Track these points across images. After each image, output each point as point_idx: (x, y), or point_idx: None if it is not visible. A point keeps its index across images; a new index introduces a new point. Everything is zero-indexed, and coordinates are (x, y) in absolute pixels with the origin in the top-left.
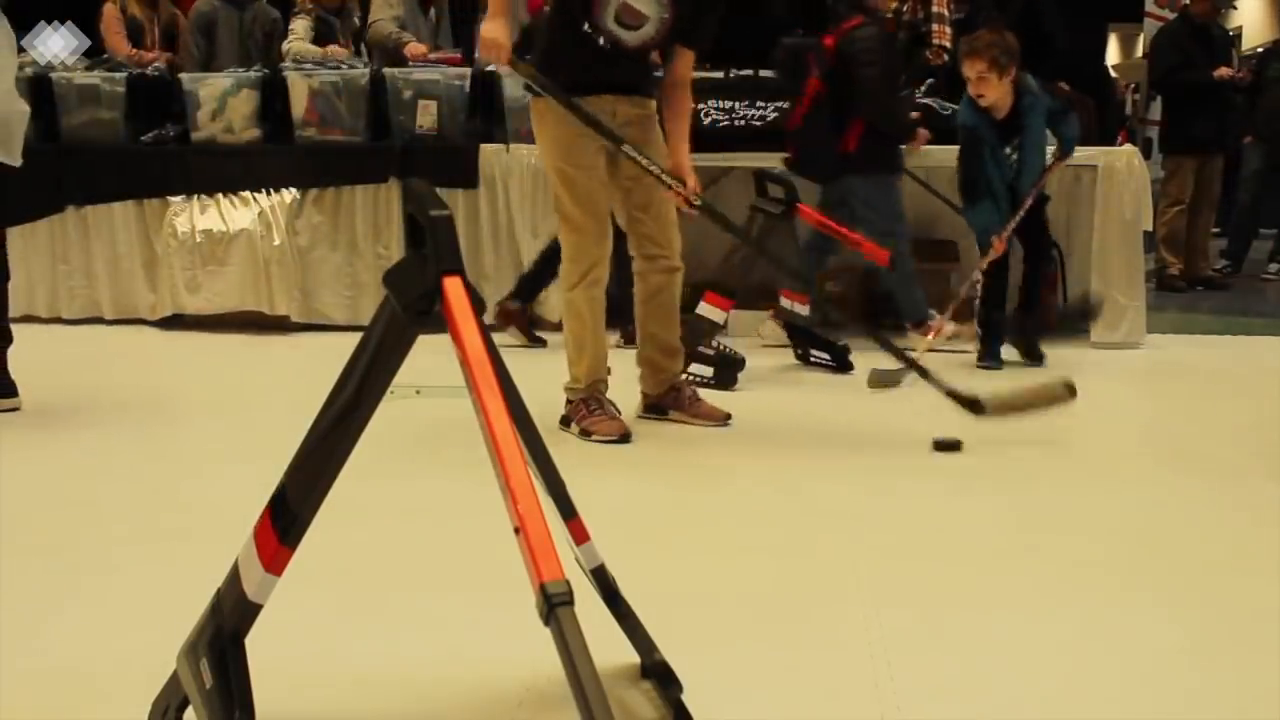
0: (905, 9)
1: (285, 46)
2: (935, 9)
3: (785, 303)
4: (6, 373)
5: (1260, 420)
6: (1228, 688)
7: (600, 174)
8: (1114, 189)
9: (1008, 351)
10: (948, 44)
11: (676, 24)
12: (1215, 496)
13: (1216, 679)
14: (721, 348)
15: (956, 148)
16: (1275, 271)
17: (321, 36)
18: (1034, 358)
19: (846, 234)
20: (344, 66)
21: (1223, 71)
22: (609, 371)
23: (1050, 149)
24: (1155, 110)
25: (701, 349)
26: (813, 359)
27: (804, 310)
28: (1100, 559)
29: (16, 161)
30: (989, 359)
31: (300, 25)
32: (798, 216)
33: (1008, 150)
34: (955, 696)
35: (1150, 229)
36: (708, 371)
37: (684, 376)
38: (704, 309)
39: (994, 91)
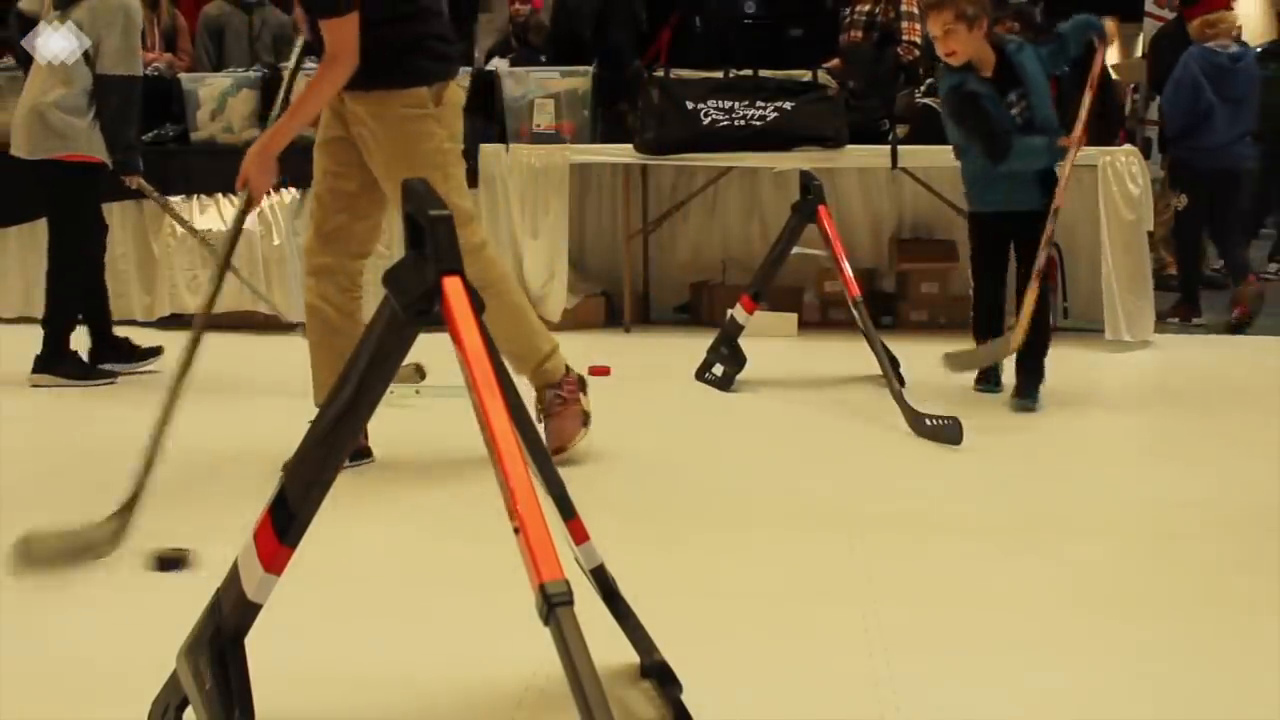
0: (878, 11)
1: None
2: (905, 8)
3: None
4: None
5: (1262, 420)
6: (1227, 688)
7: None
8: (1114, 189)
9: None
10: (918, 40)
11: None
12: (1217, 496)
13: (1216, 679)
14: (737, 349)
15: (951, 146)
16: (1275, 271)
17: None
18: (1025, 394)
19: (839, 252)
20: None
21: None
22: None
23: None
24: (1155, 110)
25: (722, 350)
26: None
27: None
28: (1101, 558)
29: (27, 154)
30: (986, 381)
31: None
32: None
33: (1012, 98)
34: (955, 696)
35: (1151, 229)
36: (719, 371)
37: (708, 377)
38: (736, 312)
39: (964, 45)
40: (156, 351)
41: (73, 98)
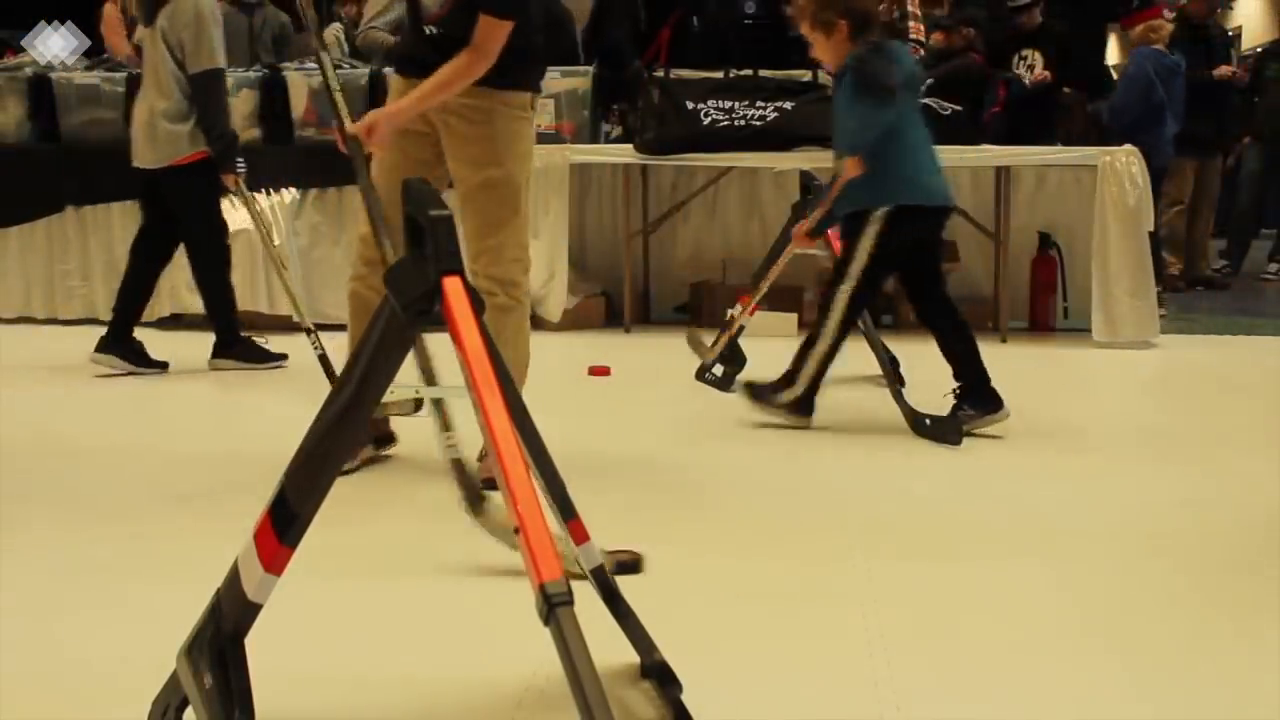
0: (882, 8)
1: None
2: (909, 8)
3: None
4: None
5: (1262, 421)
6: (1227, 688)
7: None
8: (1114, 189)
9: None
10: (923, 39)
11: None
12: (1217, 497)
13: (1216, 679)
14: (738, 349)
15: (953, 147)
16: (1275, 271)
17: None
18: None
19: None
20: (346, 66)
21: (1223, 71)
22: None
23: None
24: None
25: (724, 351)
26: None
27: None
28: (1101, 558)
29: (145, 164)
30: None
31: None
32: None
33: None
34: (955, 696)
35: (1153, 229)
36: (719, 371)
37: (708, 377)
38: (737, 310)
39: (826, 54)
40: (162, 365)
41: (175, 106)
